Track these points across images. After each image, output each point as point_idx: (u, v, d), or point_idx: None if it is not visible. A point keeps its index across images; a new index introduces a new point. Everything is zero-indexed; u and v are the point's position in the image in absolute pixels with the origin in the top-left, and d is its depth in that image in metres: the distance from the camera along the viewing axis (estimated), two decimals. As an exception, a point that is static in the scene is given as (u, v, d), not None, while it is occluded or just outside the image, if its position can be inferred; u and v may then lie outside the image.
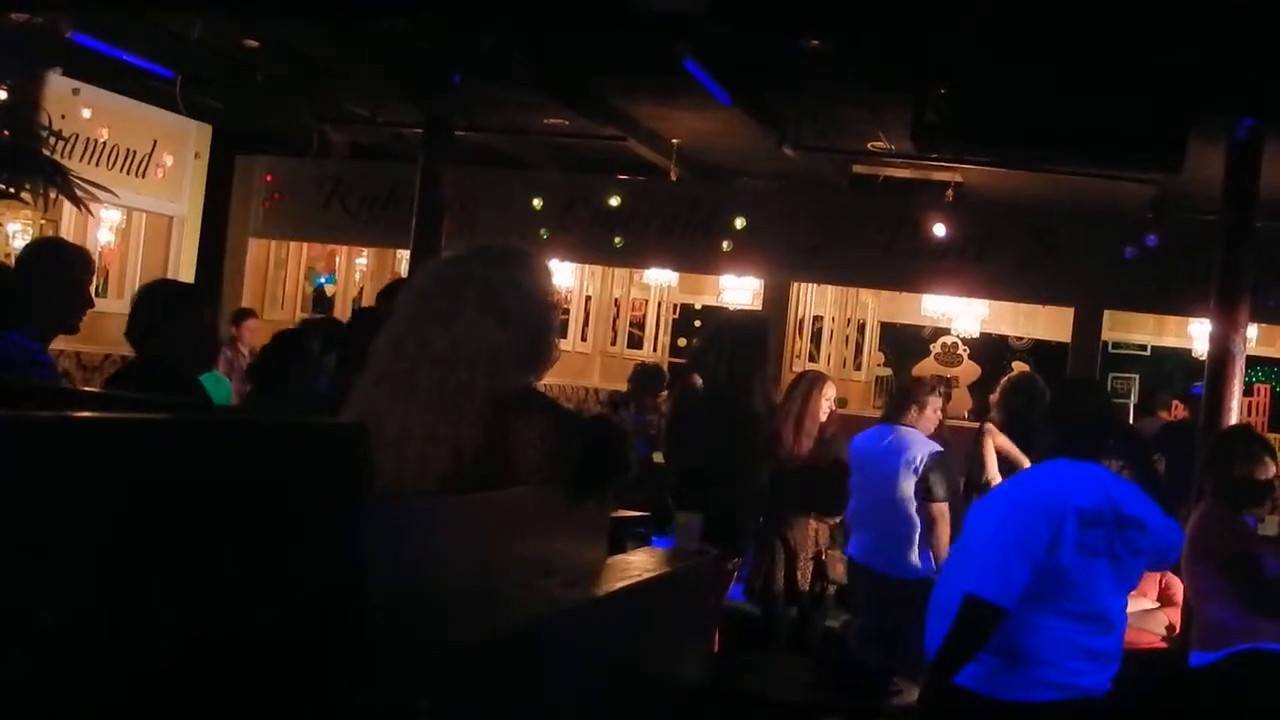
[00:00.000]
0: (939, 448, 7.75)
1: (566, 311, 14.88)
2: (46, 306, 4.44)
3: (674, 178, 14.11)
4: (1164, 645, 7.19)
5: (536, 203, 13.22)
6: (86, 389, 3.78)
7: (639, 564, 3.25)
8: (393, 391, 2.77)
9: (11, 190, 8.63)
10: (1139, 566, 4.42)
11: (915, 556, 7.46)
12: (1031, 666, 4.17)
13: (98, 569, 1.26)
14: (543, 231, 13.05)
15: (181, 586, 1.34)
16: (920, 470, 7.49)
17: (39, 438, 1.21)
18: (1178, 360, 17.07)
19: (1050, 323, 15.01)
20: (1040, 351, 16.45)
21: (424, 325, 2.87)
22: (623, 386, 12.25)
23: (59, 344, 4.95)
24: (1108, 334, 13.57)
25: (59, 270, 4.52)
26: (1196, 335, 14.27)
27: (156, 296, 4.96)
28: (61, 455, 1.22)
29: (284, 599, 1.49)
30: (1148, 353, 18.05)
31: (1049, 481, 4.31)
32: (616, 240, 13.14)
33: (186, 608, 1.35)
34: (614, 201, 13.12)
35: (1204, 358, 11.12)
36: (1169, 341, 16.44)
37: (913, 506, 7.43)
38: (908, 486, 7.43)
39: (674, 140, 13.75)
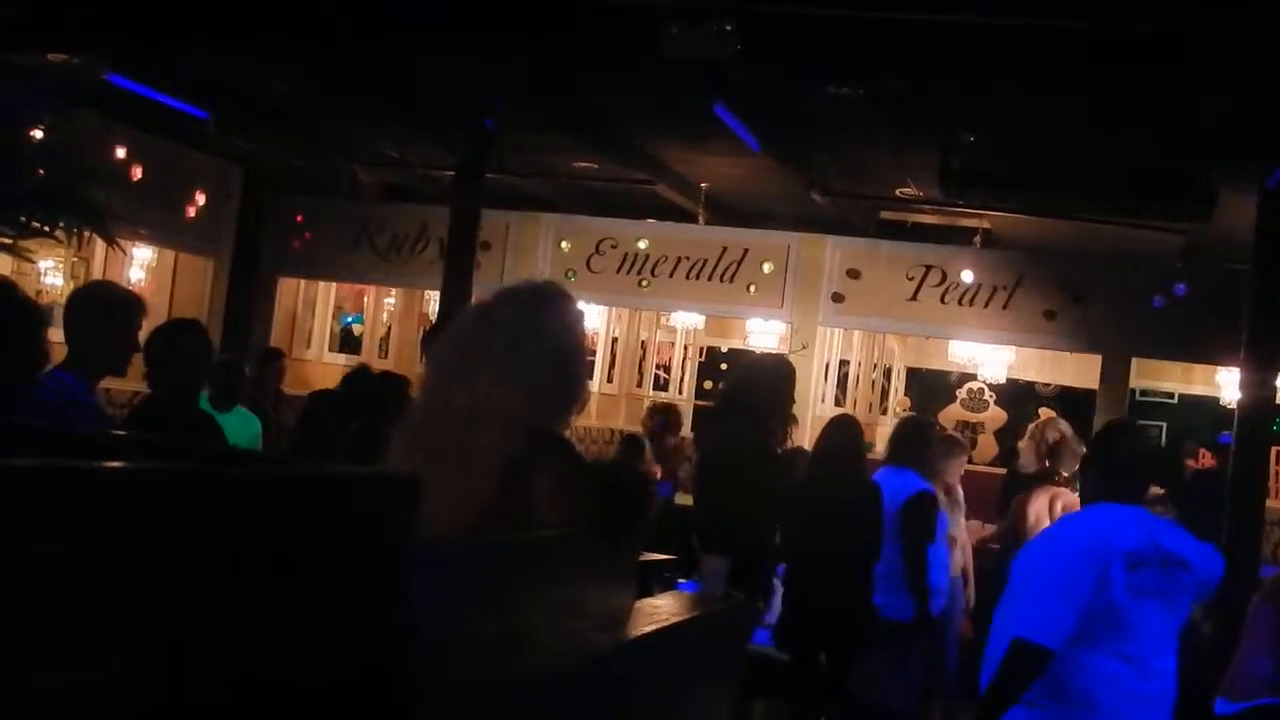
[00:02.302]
0: (925, 486, 7.76)
1: (593, 353, 14.91)
2: (95, 349, 4.52)
3: (702, 221, 14.15)
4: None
5: (564, 245, 13.28)
6: (113, 433, 3.81)
7: (666, 608, 3.25)
8: (421, 450, 2.81)
9: (46, 229, 8.71)
10: (1187, 603, 4.40)
11: (896, 598, 7.47)
12: (1084, 711, 4.15)
13: (143, 623, 1.27)
14: (570, 274, 13.10)
15: (231, 638, 1.36)
16: (899, 508, 7.53)
17: (83, 487, 1.23)
18: (1205, 408, 17.00)
19: (1078, 369, 14.98)
20: (1067, 398, 16.40)
21: (449, 389, 2.91)
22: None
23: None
24: (1135, 381, 13.54)
25: (108, 314, 4.60)
26: (1224, 383, 14.23)
27: (159, 335, 5.16)
28: (105, 506, 1.24)
29: (333, 647, 1.51)
30: (1175, 400, 17.99)
31: (1092, 525, 4.30)
32: (643, 283, 13.19)
33: (238, 658, 1.36)
34: (642, 245, 13.17)
35: (1232, 406, 11.10)
36: (1197, 389, 16.38)
37: (894, 546, 7.44)
38: (889, 526, 7.45)
39: (702, 184, 13.80)
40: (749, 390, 7.01)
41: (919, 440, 8.12)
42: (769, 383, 6.97)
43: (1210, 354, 12.27)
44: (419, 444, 2.86)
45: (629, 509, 3.03)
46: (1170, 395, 17.79)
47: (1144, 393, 16.74)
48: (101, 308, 4.68)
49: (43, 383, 4.42)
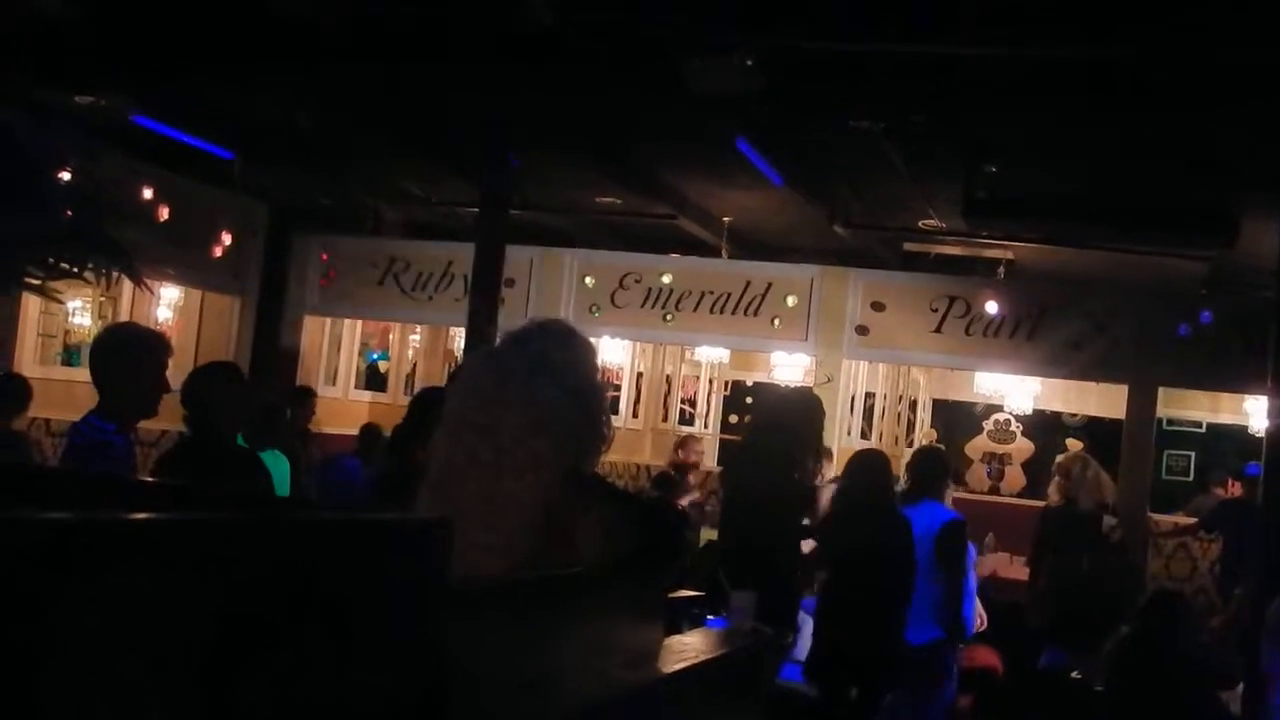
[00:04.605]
0: (954, 515, 7.77)
1: (618, 388, 14.92)
2: (123, 392, 4.54)
3: (725, 255, 14.18)
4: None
5: (589, 280, 13.31)
6: (152, 480, 3.83)
7: (696, 645, 3.25)
8: (446, 504, 2.74)
9: (74, 269, 8.77)
10: None
11: (922, 629, 7.47)
12: None
13: (185, 669, 1.28)
14: (594, 308, 13.12)
15: (269, 682, 1.36)
16: (931, 540, 7.54)
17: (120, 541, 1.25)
18: (1233, 437, 16.93)
19: (1104, 399, 14.92)
20: (1095, 428, 16.34)
21: (469, 436, 2.85)
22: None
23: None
24: (1162, 410, 13.47)
25: (132, 357, 4.62)
26: (1252, 412, 14.16)
27: (199, 377, 5.24)
28: (142, 559, 1.25)
29: (366, 690, 1.52)
30: (1203, 430, 17.91)
31: None
32: (668, 317, 13.21)
33: (274, 703, 1.37)
34: (665, 279, 13.20)
35: (1260, 434, 11.03)
36: (1224, 418, 16.31)
37: (928, 575, 7.44)
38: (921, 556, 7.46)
39: (725, 218, 13.83)
40: (775, 426, 7.02)
41: (937, 471, 8.13)
42: (795, 418, 6.98)
43: (1237, 382, 12.21)
44: (444, 500, 2.80)
45: (667, 547, 3.02)
46: (1198, 424, 17.71)
47: (1171, 422, 16.67)
48: (125, 351, 4.70)
49: (75, 427, 4.46)
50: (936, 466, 8.22)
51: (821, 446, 7.46)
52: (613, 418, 3.36)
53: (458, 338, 14.29)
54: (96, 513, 1.22)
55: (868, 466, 7.64)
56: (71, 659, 1.18)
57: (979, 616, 8.52)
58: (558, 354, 2.96)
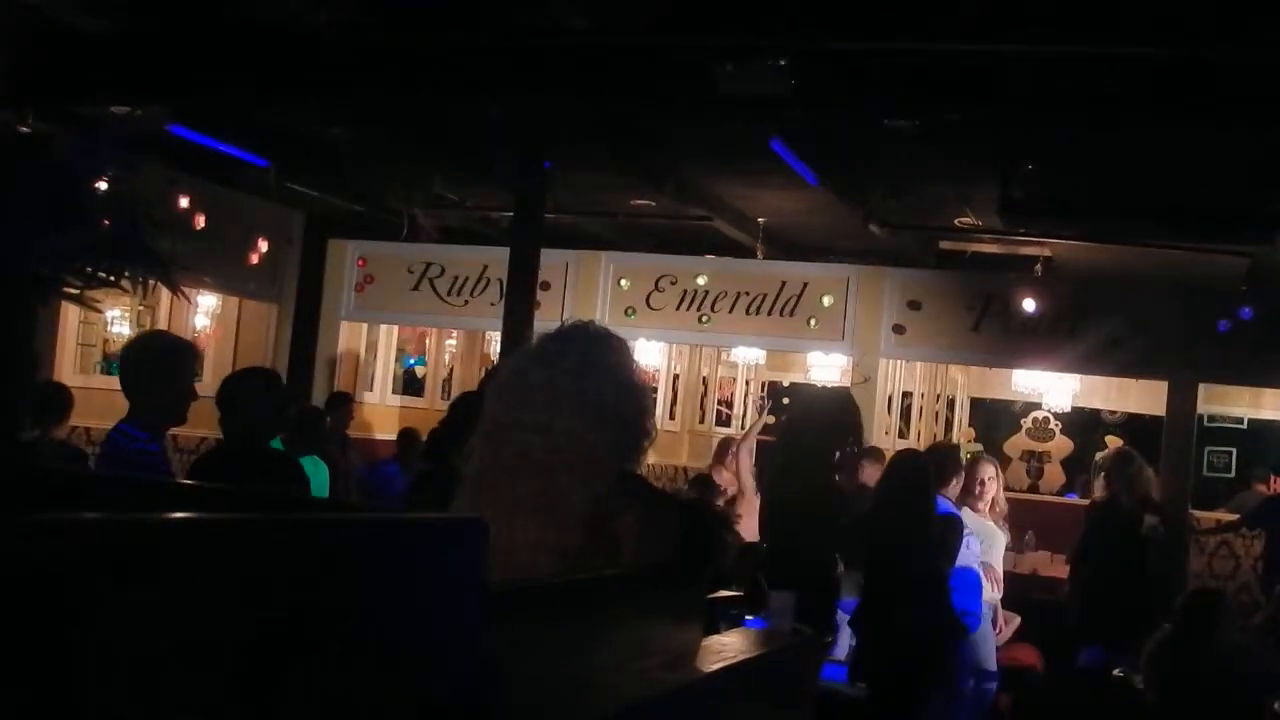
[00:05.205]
0: (950, 509, 7.75)
1: (655, 390, 14.91)
2: (154, 399, 4.57)
3: (760, 256, 14.15)
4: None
5: (624, 283, 13.31)
6: (190, 483, 3.85)
7: (735, 646, 3.24)
8: (495, 504, 2.73)
9: (112, 278, 8.83)
10: None
11: None
12: None
13: (221, 668, 1.29)
14: (630, 311, 13.12)
15: (309, 682, 1.37)
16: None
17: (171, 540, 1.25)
18: (1275, 433, 16.79)
19: (1144, 396, 14.82)
20: (1135, 425, 16.24)
21: (515, 435, 2.85)
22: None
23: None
24: (1203, 407, 13.37)
25: (160, 365, 4.65)
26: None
27: (234, 382, 5.27)
28: (186, 557, 1.26)
29: (408, 691, 1.52)
30: (1244, 425, 17.76)
31: None
32: (703, 319, 13.19)
33: (317, 701, 1.37)
34: (701, 281, 13.18)
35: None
36: (1266, 414, 16.17)
37: None
38: None
39: (760, 219, 13.81)
40: (808, 424, 7.02)
41: (942, 467, 8.10)
42: (829, 416, 6.97)
43: (1278, 378, 12.10)
44: (491, 499, 2.78)
45: (706, 547, 3.02)
46: (1239, 420, 17.58)
47: (1212, 418, 16.56)
48: (153, 359, 4.74)
49: (109, 436, 4.50)
50: (941, 463, 8.20)
51: (863, 446, 7.43)
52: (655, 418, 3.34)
53: (494, 342, 14.31)
54: (136, 515, 1.23)
55: (903, 467, 7.64)
56: (116, 658, 1.19)
57: (999, 615, 8.50)
58: (598, 354, 2.97)
